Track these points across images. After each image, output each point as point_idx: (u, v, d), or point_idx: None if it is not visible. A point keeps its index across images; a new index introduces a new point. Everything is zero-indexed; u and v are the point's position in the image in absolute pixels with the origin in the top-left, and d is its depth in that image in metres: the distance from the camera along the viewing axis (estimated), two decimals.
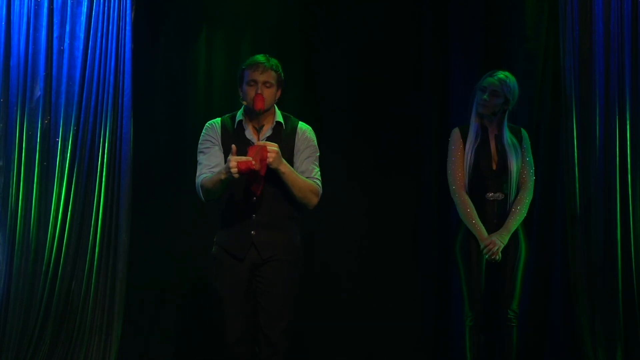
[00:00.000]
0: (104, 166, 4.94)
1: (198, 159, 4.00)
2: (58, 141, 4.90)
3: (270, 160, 3.74)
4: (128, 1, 4.99)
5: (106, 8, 4.96)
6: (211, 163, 3.94)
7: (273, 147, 3.76)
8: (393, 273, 5.47)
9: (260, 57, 3.97)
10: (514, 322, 4.48)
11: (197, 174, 3.97)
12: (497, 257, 4.42)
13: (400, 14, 5.51)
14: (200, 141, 4.02)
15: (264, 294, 3.94)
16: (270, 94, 3.93)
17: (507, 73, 4.52)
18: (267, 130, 3.98)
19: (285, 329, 3.96)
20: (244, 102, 3.96)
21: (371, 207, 5.50)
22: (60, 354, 4.86)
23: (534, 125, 5.10)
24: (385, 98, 5.50)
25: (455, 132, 4.62)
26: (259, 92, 3.88)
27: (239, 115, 4.02)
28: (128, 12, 4.99)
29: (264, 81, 3.91)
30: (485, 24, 5.40)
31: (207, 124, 4.05)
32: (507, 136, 4.52)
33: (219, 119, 4.04)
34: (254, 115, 3.94)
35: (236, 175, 3.68)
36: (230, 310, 3.95)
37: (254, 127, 3.97)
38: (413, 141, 5.51)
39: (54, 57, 4.91)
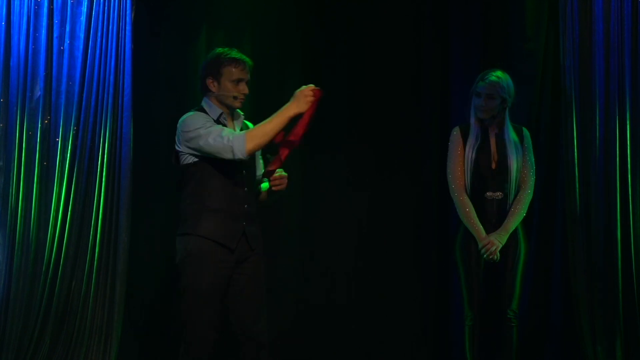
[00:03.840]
0: (104, 166, 4.94)
1: (208, 131, 3.81)
2: (58, 141, 4.90)
3: (283, 187, 3.99)
4: (128, 1, 4.99)
5: (106, 8, 4.96)
6: (228, 128, 3.90)
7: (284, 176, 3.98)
8: (393, 273, 5.47)
9: (239, 54, 3.98)
10: (513, 322, 4.48)
11: (223, 135, 3.78)
12: (495, 257, 4.42)
13: (400, 14, 5.51)
14: (198, 124, 3.86)
15: (246, 289, 3.93)
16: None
17: (498, 73, 4.50)
18: (239, 124, 4.05)
19: (265, 324, 3.97)
20: (229, 94, 3.93)
21: (371, 207, 5.50)
22: (60, 354, 4.86)
23: (533, 125, 5.10)
24: (386, 98, 5.50)
25: (456, 132, 4.62)
26: (244, 91, 3.95)
27: (215, 108, 3.97)
28: (128, 12, 4.99)
29: (247, 80, 3.98)
30: (485, 24, 5.40)
31: (189, 115, 3.94)
32: (509, 134, 4.52)
33: (194, 111, 3.97)
34: (232, 110, 4.01)
35: (310, 99, 3.75)
36: (209, 307, 3.86)
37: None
38: (413, 141, 5.51)
39: (54, 57, 4.91)
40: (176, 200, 5.34)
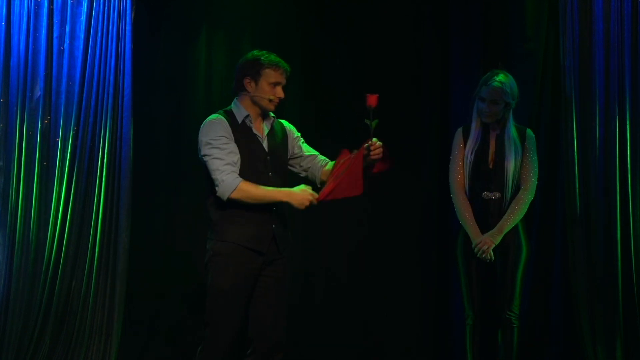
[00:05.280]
0: (104, 166, 4.94)
1: (212, 153, 3.83)
2: (58, 141, 4.90)
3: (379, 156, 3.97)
4: (128, 1, 4.99)
5: (106, 8, 4.96)
6: (234, 159, 3.86)
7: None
8: (393, 273, 5.47)
9: (281, 60, 3.97)
10: (514, 322, 4.48)
11: (222, 169, 3.80)
12: (488, 257, 4.42)
13: (400, 14, 5.52)
14: (211, 137, 3.86)
15: (270, 292, 3.91)
16: None
17: (501, 77, 4.48)
18: (268, 125, 4.03)
19: (284, 329, 3.95)
20: (265, 96, 3.92)
21: (371, 207, 5.50)
22: (60, 354, 4.86)
23: (534, 125, 5.09)
24: (386, 98, 5.48)
25: (458, 133, 4.62)
26: (280, 95, 3.95)
27: (242, 110, 3.97)
28: (128, 12, 4.99)
29: (283, 84, 3.97)
30: (485, 24, 5.40)
31: (213, 119, 3.92)
32: (510, 134, 4.51)
33: (220, 115, 3.95)
34: (265, 113, 4.00)
35: (306, 204, 3.81)
36: (234, 309, 3.86)
37: (261, 120, 4.01)
38: (413, 141, 5.51)
39: (54, 57, 4.91)
40: (177, 200, 5.38)
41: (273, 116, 4.06)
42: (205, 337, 3.88)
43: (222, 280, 3.85)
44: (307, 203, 3.82)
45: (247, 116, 3.95)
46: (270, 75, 3.93)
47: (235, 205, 3.85)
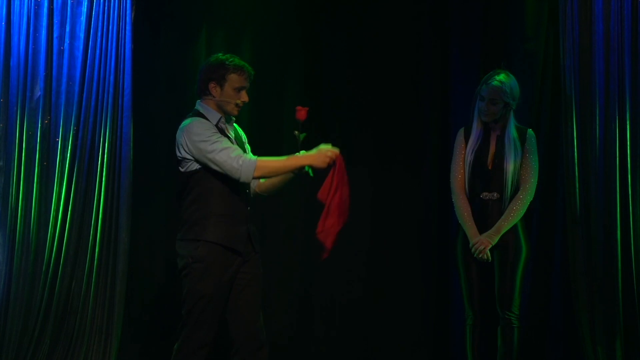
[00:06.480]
0: (104, 166, 4.95)
1: (215, 147, 3.77)
2: (58, 141, 4.90)
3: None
4: (128, 1, 5.00)
5: (106, 8, 4.97)
6: (235, 145, 3.86)
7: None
8: (393, 273, 5.47)
9: (245, 64, 3.97)
10: (514, 323, 4.48)
11: (233, 157, 3.75)
12: (485, 257, 4.41)
13: (400, 14, 5.51)
14: (206, 135, 3.81)
15: (247, 289, 3.94)
16: None
17: (502, 77, 4.47)
18: (231, 128, 4.04)
19: (263, 323, 3.98)
20: (231, 101, 3.91)
21: (371, 207, 5.50)
22: (60, 354, 4.87)
23: (534, 125, 5.09)
24: (386, 98, 5.50)
25: (460, 133, 4.62)
26: (244, 99, 3.95)
27: (213, 113, 3.95)
28: (128, 12, 5.00)
29: (247, 88, 3.98)
30: (485, 24, 5.40)
31: (196, 120, 3.88)
32: (510, 135, 4.50)
33: (196, 118, 3.91)
34: (228, 117, 4.01)
35: (328, 160, 3.77)
36: (214, 311, 3.88)
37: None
38: (413, 141, 5.51)
39: (54, 57, 4.92)
40: (177, 201, 5.37)
41: (233, 118, 4.06)
42: (182, 337, 3.90)
43: (204, 285, 3.86)
44: (329, 160, 3.78)
45: (220, 118, 3.95)
46: (235, 80, 3.92)
47: (212, 207, 3.85)
